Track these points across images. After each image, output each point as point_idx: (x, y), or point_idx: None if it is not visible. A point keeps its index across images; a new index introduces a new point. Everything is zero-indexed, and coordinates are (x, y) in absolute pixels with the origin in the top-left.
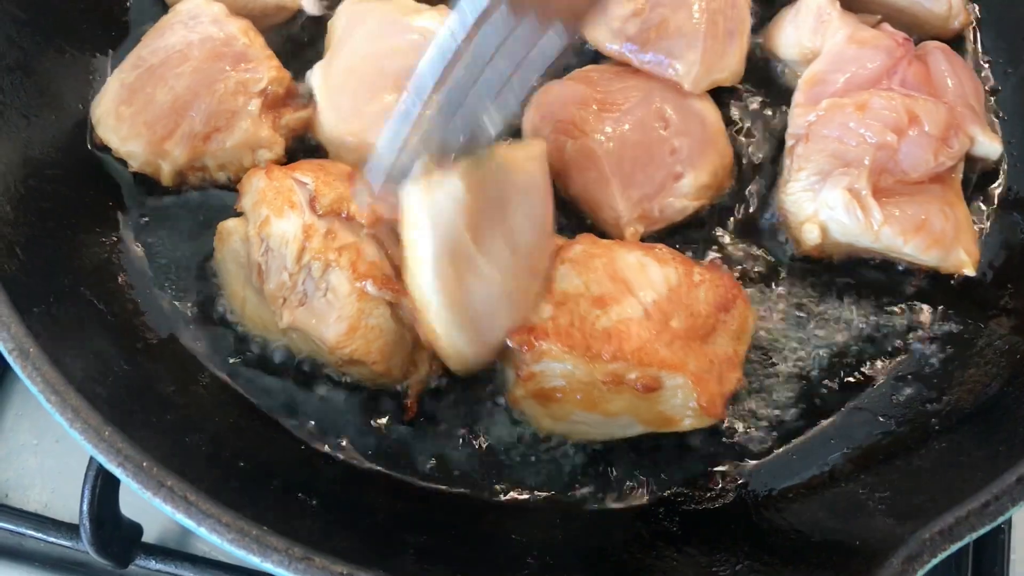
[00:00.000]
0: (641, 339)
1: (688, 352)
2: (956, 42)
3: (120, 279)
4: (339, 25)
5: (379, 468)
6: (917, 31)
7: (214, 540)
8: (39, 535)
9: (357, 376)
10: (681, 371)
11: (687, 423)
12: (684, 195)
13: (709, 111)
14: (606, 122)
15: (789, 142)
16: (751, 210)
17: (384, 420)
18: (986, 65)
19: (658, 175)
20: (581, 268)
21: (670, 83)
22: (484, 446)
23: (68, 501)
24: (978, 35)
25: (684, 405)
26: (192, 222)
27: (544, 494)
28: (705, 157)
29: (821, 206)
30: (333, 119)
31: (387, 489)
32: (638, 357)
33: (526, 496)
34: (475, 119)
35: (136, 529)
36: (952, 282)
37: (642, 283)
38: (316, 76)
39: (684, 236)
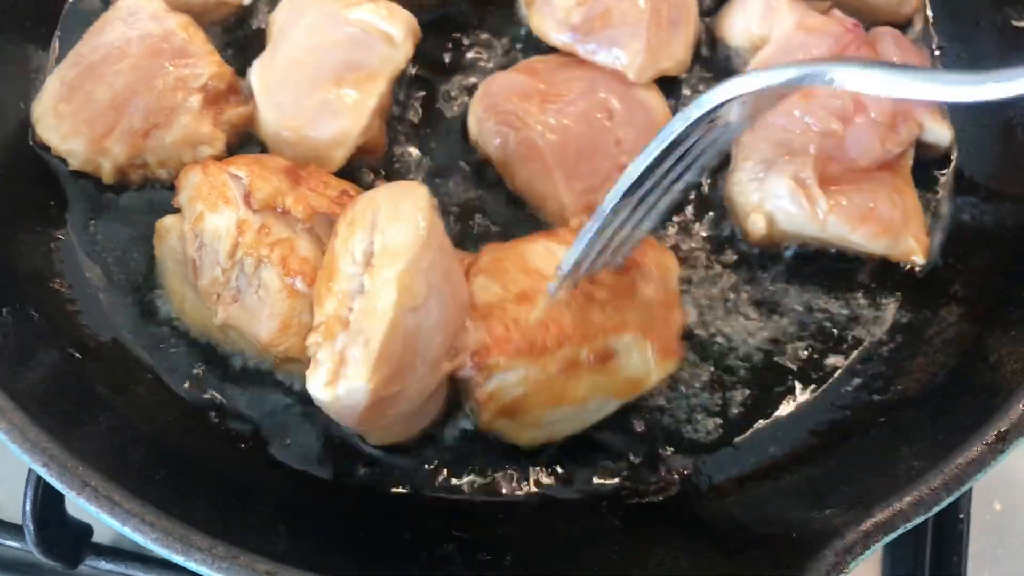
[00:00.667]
0: (575, 317)
1: (623, 311)
2: (908, 27)
3: (59, 281)
4: (279, 19)
5: (317, 468)
6: (869, 17)
7: (138, 539)
8: None
9: (297, 374)
10: (625, 330)
11: (653, 378)
12: None
13: (655, 101)
14: (548, 113)
15: None
16: (699, 200)
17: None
18: (938, 50)
19: (603, 166)
20: (494, 274)
21: (615, 73)
22: (425, 441)
23: (17, 501)
24: (929, 20)
25: (643, 360)
26: (134, 220)
27: (483, 491)
28: None
29: (767, 195)
30: (272, 115)
31: (326, 488)
32: (580, 334)
33: (464, 493)
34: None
35: (86, 529)
36: (902, 270)
37: (552, 266)
38: (255, 71)
39: None
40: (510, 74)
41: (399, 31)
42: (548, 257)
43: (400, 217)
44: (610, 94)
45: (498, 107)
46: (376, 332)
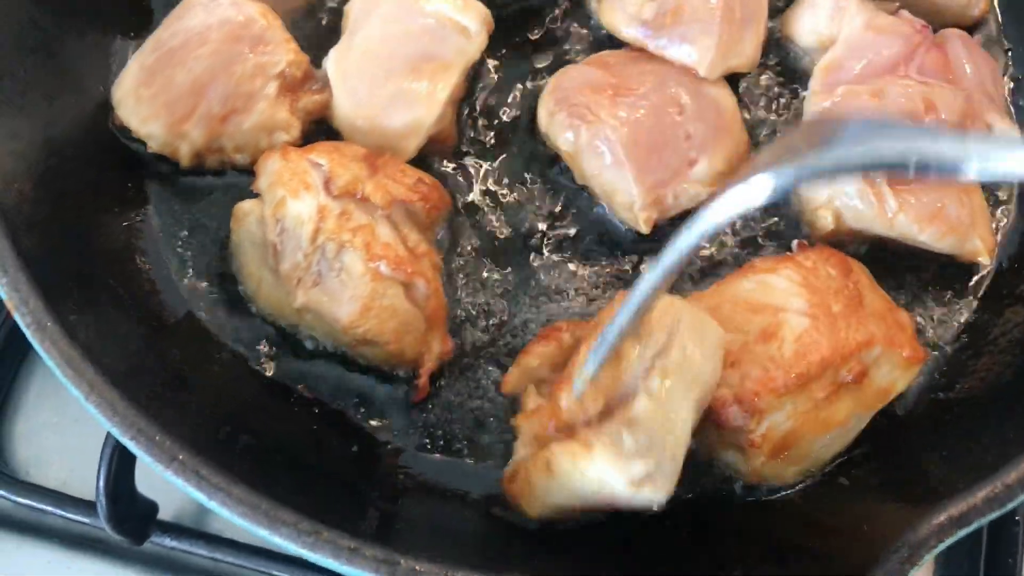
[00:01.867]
0: (828, 338)
1: (864, 322)
2: (976, 30)
3: (139, 259)
4: (354, 9)
5: (395, 446)
6: (936, 19)
7: (224, 513)
8: (57, 511)
9: (371, 356)
10: (875, 342)
11: (900, 385)
12: (698, 181)
13: (725, 97)
14: (620, 107)
15: None
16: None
17: (399, 400)
18: (1007, 53)
19: (672, 161)
20: (719, 321)
21: (685, 69)
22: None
23: (86, 479)
24: (999, 22)
25: (891, 369)
26: (211, 203)
27: None
28: (720, 143)
29: (836, 192)
30: (347, 103)
31: (400, 467)
32: (838, 354)
33: None
34: None
35: (152, 506)
36: (968, 270)
37: (778, 297)
38: (331, 60)
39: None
40: (581, 67)
41: (474, 23)
42: (765, 290)
43: (705, 345)
44: (680, 89)
45: (569, 100)
46: (678, 450)
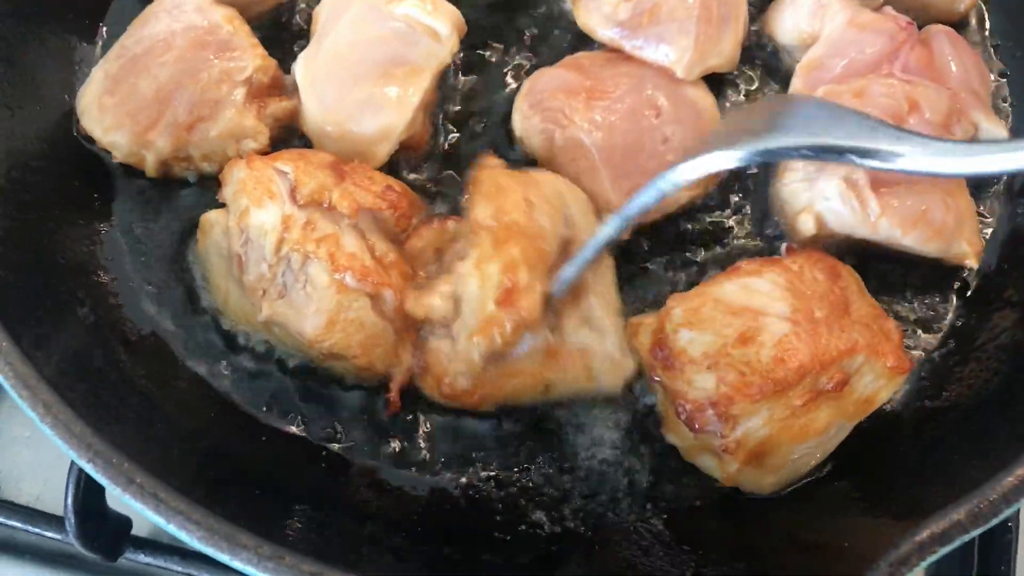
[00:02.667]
0: (808, 344)
1: (847, 329)
2: (962, 25)
3: (103, 273)
4: (323, 13)
5: (359, 463)
6: (922, 14)
7: (183, 536)
8: (29, 528)
9: (339, 370)
10: (857, 350)
11: (884, 394)
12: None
13: (703, 98)
14: (595, 111)
15: None
16: (748, 199)
17: (368, 415)
18: (994, 49)
19: (650, 164)
20: (698, 325)
21: (663, 70)
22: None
23: (59, 494)
24: (985, 17)
25: (875, 378)
26: (177, 214)
27: (520, 493)
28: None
29: (817, 196)
30: (316, 109)
31: (368, 487)
32: (818, 361)
33: (505, 491)
34: None
35: (125, 522)
36: (955, 274)
37: (761, 300)
38: (299, 65)
39: (679, 227)
40: (556, 70)
41: (444, 26)
42: (749, 292)
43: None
44: (657, 91)
45: (544, 103)
46: None
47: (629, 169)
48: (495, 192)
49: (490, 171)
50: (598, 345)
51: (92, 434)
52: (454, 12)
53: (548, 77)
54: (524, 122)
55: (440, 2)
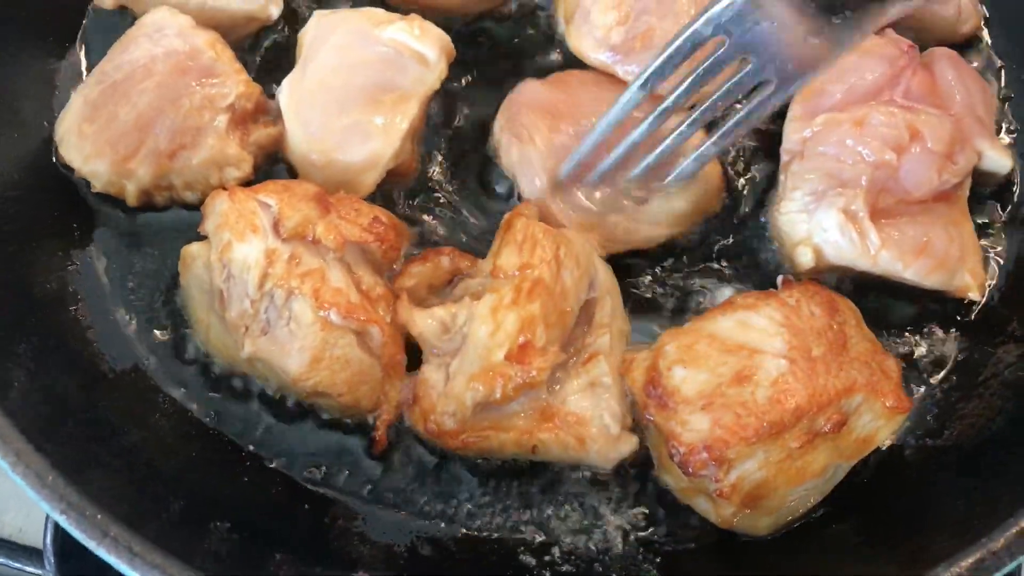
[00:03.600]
0: (805, 384)
1: (845, 368)
2: (965, 47)
3: (80, 306)
4: (308, 37)
5: (342, 504)
6: (924, 36)
7: None
8: (9, 562)
9: (324, 407)
10: (856, 390)
11: (883, 434)
12: (654, 222)
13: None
14: (559, 134)
15: (784, 158)
16: (747, 229)
17: (356, 453)
18: (998, 71)
19: (612, 198)
20: (691, 362)
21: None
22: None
23: (38, 524)
24: (988, 39)
25: (874, 418)
26: (159, 244)
27: (508, 535)
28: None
29: (815, 228)
30: (301, 136)
31: (351, 530)
32: (815, 402)
33: (492, 535)
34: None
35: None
36: (957, 306)
37: (757, 337)
38: (283, 91)
39: (677, 259)
40: (538, 84)
41: (433, 51)
42: (743, 330)
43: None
44: None
45: (517, 117)
46: None
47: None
48: (527, 243)
49: (525, 220)
50: (597, 416)
51: (65, 484)
52: (442, 36)
53: (528, 90)
54: (499, 133)
55: (428, 26)
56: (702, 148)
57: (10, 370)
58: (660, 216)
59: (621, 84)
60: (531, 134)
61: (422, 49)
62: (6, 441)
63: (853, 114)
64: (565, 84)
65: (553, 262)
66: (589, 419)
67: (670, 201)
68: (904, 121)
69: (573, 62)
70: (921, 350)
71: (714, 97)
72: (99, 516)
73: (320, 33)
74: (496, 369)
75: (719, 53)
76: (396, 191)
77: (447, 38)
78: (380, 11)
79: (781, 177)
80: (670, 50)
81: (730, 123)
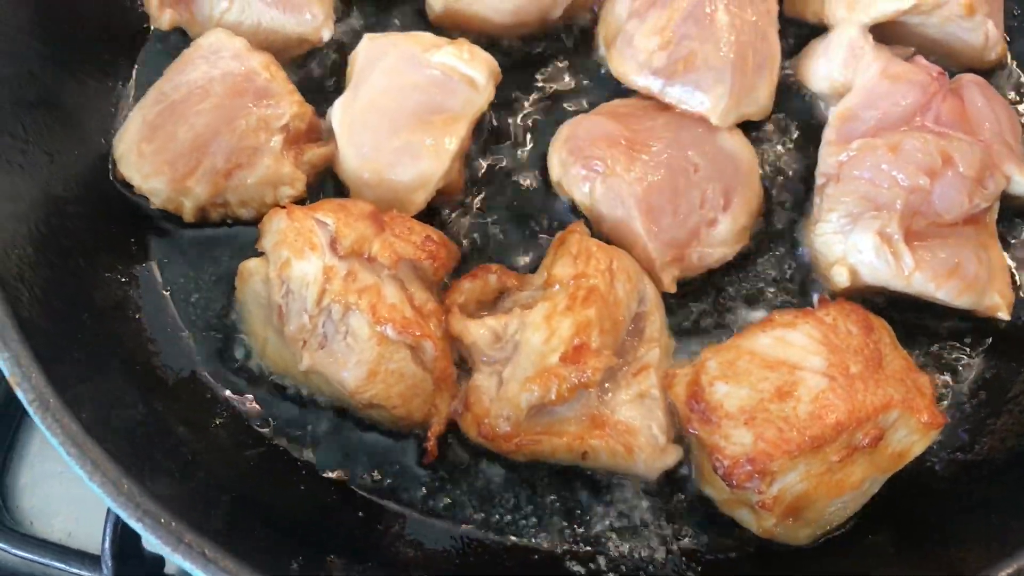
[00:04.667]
0: (845, 400)
1: (882, 385)
2: (992, 72)
3: (141, 317)
4: (359, 60)
5: (393, 511)
6: (952, 62)
7: None
8: (62, 566)
9: (377, 418)
10: (892, 406)
11: (917, 448)
12: (723, 242)
13: (742, 150)
14: (636, 163)
15: (819, 180)
16: (782, 249)
17: (408, 462)
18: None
19: (690, 221)
20: (733, 378)
21: (699, 120)
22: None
23: (92, 530)
24: (1014, 65)
25: (909, 433)
26: (215, 258)
27: (556, 544)
28: (740, 199)
29: (851, 249)
30: (353, 156)
31: (403, 536)
32: (855, 418)
33: (541, 544)
34: None
35: (159, 561)
36: (987, 324)
37: (797, 354)
38: (336, 112)
39: (714, 279)
40: (594, 118)
41: (481, 74)
42: (784, 345)
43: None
44: (696, 146)
45: (584, 151)
46: None
47: (666, 224)
48: (582, 255)
49: (578, 236)
50: (645, 426)
51: (140, 493)
52: (490, 60)
53: (587, 124)
54: (563, 169)
55: (476, 50)
56: None
57: (80, 384)
58: (728, 235)
59: (665, 109)
60: (611, 166)
61: (471, 72)
62: (84, 451)
63: (888, 140)
64: (616, 114)
65: (607, 272)
66: (638, 429)
67: (735, 220)
68: (936, 147)
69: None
70: (951, 367)
71: None
72: (173, 523)
73: (371, 56)
74: (551, 370)
75: None
76: (443, 207)
77: (494, 62)
78: (429, 35)
79: (816, 199)
80: None
81: None
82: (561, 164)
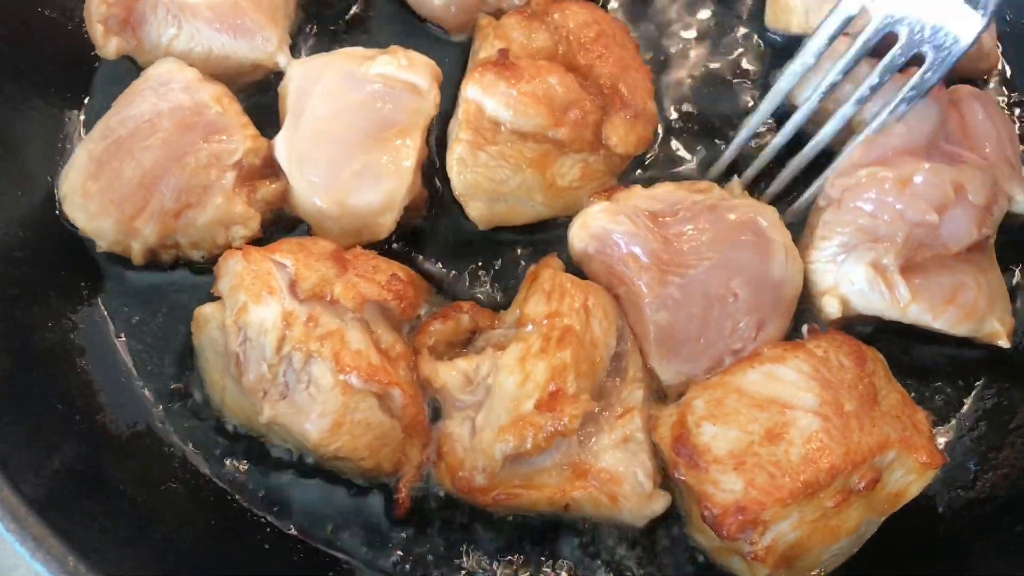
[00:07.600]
0: (839, 442)
1: (878, 423)
2: (984, 82)
3: (90, 369)
4: (291, 88)
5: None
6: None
7: None
8: None
9: (343, 471)
10: (889, 446)
11: (914, 488)
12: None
13: (794, 277)
14: (669, 287)
15: (820, 203)
16: None
17: (378, 516)
18: (1017, 108)
19: (712, 350)
20: (721, 418)
21: (758, 232)
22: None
23: None
24: (1008, 73)
25: (906, 473)
26: (168, 302)
27: None
28: (773, 326)
29: (842, 279)
30: (307, 190)
31: None
32: (850, 460)
33: None
34: None
35: None
36: (986, 350)
37: (787, 391)
38: (280, 148)
39: None
40: (629, 221)
41: (423, 79)
42: (772, 383)
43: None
44: (743, 273)
45: (610, 255)
46: None
47: (684, 353)
48: (555, 293)
49: (552, 271)
50: (631, 473)
51: (87, 567)
52: (429, 63)
53: (621, 223)
54: (585, 257)
55: (412, 54)
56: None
57: (24, 447)
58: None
59: (716, 210)
60: (636, 283)
61: (412, 78)
62: (24, 526)
63: (899, 171)
64: (662, 213)
65: (582, 311)
66: (622, 477)
67: (760, 344)
68: (949, 178)
69: None
70: (949, 397)
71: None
72: None
73: (304, 82)
74: (526, 419)
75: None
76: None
77: (433, 63)
78: (358, 49)
79: (811, 221)
80: (823, 29)
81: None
82: (582, 253)
